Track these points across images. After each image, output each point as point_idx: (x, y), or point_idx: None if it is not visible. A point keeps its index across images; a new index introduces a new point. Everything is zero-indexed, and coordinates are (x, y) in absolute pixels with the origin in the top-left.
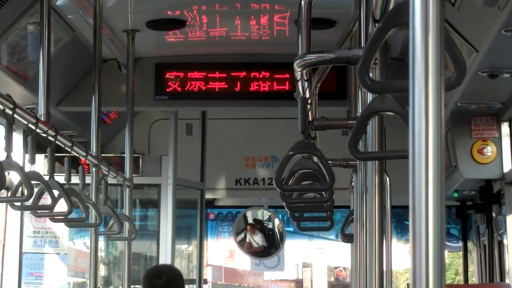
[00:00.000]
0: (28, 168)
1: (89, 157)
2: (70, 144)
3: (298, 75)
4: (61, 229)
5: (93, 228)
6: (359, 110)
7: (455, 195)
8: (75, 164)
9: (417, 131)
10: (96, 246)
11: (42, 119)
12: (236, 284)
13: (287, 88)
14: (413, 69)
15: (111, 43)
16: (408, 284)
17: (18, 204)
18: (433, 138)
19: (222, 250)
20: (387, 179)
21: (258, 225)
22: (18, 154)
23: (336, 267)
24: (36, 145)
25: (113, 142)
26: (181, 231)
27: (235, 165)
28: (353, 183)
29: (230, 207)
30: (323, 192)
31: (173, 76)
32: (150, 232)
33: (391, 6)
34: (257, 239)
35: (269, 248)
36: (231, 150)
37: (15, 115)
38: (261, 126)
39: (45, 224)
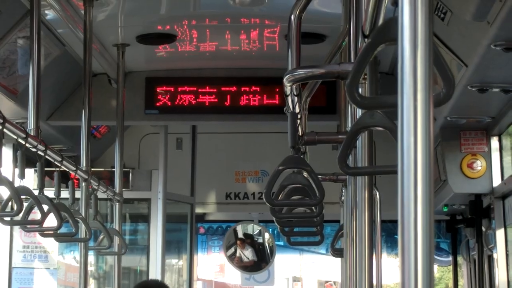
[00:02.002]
0: (17, 182)
1: (78, 171)
2: (60, 159)
3: (287, 90)
4: (50, 244)
5: (83, 243)
6: (349, 124)
7: (445, 209)
8: (64, 178)
9: (405, 147)
10: (85, 261)
11: (32, 134)
12: None
13: (277, 103)
14: (401, 85)
15: (101, 57)
16: None
17: (8, 219)
18: (421, 154)
19: (212, 265)
20: (377, 193)
21: (248, 240)
22: (8, 168)
23: (327, 281)
24: (25, 159)
25: (103, 156)
26: (171, 246)
27: (225, 179)
28: (343, 198)
29: (220, 221)
30: (313, 207)
31: (163, 90)
32: (140, 247)
33: (381, 21)
34: (247, 254)
35: (259, 263)
36: (221, 165)
37: (5, 130)
38: (251, 140)
39: (35, 239)
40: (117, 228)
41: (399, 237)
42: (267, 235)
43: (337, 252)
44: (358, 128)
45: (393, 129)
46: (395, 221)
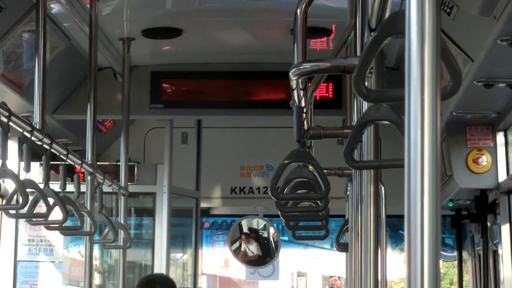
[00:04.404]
0: (23, 176)
1: (84, 165)
2: (65, 152)
3: (293, 84)
4: (56, 237)
5: (88, 236)
6: (355, 119)
7: (450, 204)
8: (70, 172)
9: (412, 140)
10: (90, 255)
11: (37, 127)
12: None
13: (282, 97)
14: (408, 78)
15: (107, 51)
16: None
17: (13, 212)
18: (428, 147)
19: (217, 259)
20: (382, 188)
21: (253, 234)
22: (13, 162)
23: (331, 276)
24: (31, 153)
25: (109, 150)
26: (176, 240)
27: (231, 174)
28: (348, 192)
29: (225, 215)
30: (318, 201)
31: (168, 85)
32: (145, 241)
33: (387, 15)
34: (252, 248)
35: (264, 257)
36: (226, 159)
37: (10, 123)
38: (257, 135)
39: (40, 232)
40: (122, 222)
41: (405, 232)
42: (272, 230)
43: (342, 247)
44: (364, 122)
45: (399, 123)
46: (400, 216)
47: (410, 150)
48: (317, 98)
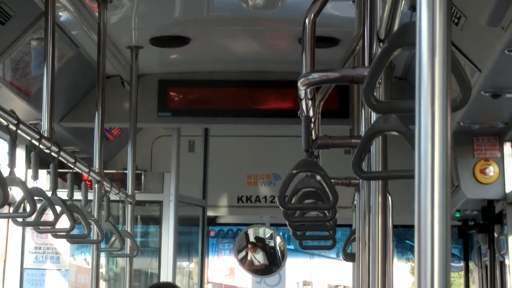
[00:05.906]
0: (30, 184)
1: (91, 173)
2: (73, 160)
3: (302, 93)
4: (62, 245)
5: (94, 245)
6: (362, 128)
7: (457, 215)
8: (77, 180)
9: (423, 152)
10: (97, 263)
11: (45, 135)
12: None
13: (290, 106)
14: (419, 90)
15: (115, 59)
16: None
17: (21, 220)
18: (439, 159)
19: (223, 268)
20: (389, 198)
21: (260, 243)
22: (21, 169)
23: (337, 286)
24: (39, 160)
25: (116, 158)
26: (183, 248)
27: (237, 182)
28: (355, 202)
29: (232, 224)
30: (325, 211)
31: (176, 93)
32: (152, 249)
33: (396, 25)
34: (259, 257)
35: (270, 266)
36: (233, 168)
37: (19, 131)
38: (264, 143)
39: (47, 240)
40: (129, 230)
41: (415, 243)
42: (278, 239)
43: (349, 257)
44: (372, 133)
45: (408, 134)
46: (406, 226)
47: (421, 161)
48: (324, 107)
